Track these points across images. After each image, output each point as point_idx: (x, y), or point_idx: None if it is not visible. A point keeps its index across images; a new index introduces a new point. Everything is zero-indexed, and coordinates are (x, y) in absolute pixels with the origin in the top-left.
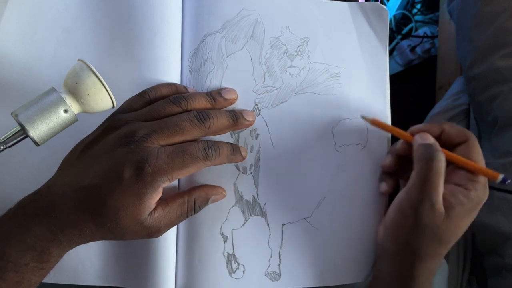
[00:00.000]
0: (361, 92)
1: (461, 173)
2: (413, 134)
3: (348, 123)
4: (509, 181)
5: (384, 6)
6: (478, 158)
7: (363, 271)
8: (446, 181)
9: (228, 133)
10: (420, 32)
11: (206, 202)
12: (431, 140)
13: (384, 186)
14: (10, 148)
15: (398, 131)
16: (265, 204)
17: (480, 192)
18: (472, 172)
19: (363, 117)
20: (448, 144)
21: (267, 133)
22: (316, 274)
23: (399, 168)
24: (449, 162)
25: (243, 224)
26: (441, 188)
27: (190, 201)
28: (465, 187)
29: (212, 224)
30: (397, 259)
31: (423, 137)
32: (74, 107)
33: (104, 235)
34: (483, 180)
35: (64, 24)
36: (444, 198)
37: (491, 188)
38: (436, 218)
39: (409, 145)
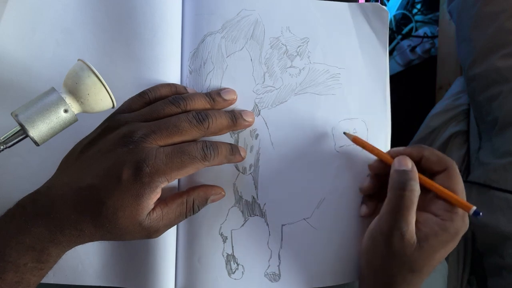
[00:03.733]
0: (361, 93)
1: (439, 203)
2: (393, 157)
3: (348, 124)
4: (481, 214)
5: (384, 7)
6: (457, 187)
7: None
8: (424, 210)
9: (228, 133)
10: (420, 32)
11: (205, 202)
12: (408, 166)
13: (363, 209)
14: (10, 148)
15: (378, 152)
16: (264, 204)
17: (457, 224)
18: (449, 202)
19: (346, 134)
20: (427, 170)
21: (267, 133)
22: (316, 274)
23: (380, 191)
24: (429, 190)
25: (242, 225)
26: (412, 217)
27: (189, 201)
28: (441, 218)
29: (212, 224)
30: (372, 285)
31: (401, 162)
32: (74, 107)
33: (103, 235)
34: (461, 212)
35: (63, 24)
36: (418, 228)
37: (491, 188)
38: (406, 248)
39: (384, 163)
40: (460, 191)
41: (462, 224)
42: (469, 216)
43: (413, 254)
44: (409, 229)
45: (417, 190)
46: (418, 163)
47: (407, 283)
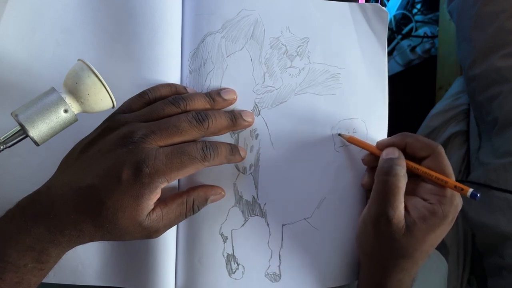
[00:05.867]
0: (361, 93)
1: (427, 187)
2: (380, 148)
3: (348, 124)
4: (478, 196)
5: (384, 8)
6: (446, 170)
7: None
8: (412, 194)
9: (228, 133)
10: (420, 32)
11: (204, 202)
12: (395, 154)
13: None
14: (10, 148)
15: (370, 147)
16: (265, 204)
17: (446, 207)
18: (442, 185)
19: (340, 135)
20: (414, 157)
21: (267, 133)
22: (317, 275)
23: None
24: (416, 175)
25: (242, 225)
26: (398, 203)
27: (188, 201)
28: (429, 202)
29: (212, 224)
30: (368, 270)
31: (388, 152)
32: (74, 107)
33: (102, 235)
34: (449, 194)
35: (63, 24)
36: (407, 212)
37: (491, 188)
38: (395, 233)
39: (375, 156)
40: (449, 174)
41: (450, 207)
42: (472, 211)
43: (402, 239)
44: (396, 214)
45: (402, 175)
46: (403, 151)
47: (400, 269)
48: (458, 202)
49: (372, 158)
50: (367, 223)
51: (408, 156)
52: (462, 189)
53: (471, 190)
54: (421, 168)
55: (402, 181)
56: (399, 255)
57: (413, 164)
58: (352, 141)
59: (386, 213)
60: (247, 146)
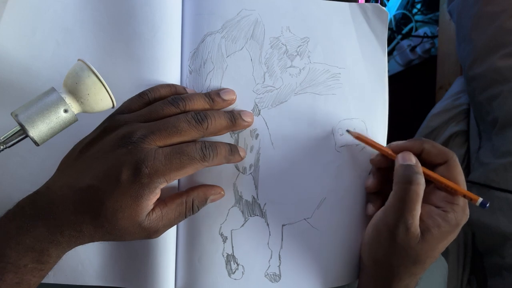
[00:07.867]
0: (361, 93)
1: (440, 194)
2: (394, 151)
3: (348, 124)
4: (488, 205)
5: (384, 8)
6: (459, 179)
7: None
8: (425, 201)
9: (228, 133)
10: (420, 32)
11: (204, 202)
12: (412, 160)
13: (370, 208)
14: (10, 148)
15: (381, 148)
16: (265, 204)
17: (458, 215)
18: (453, 193)
19: (348, 132)
20: (428, 163)
21: (267, 133)
22: (317, 275)
23: (384, 188)
24: (429, 182)
25: (242, 225)
26: (417, 211)
27: (188, 201)
28: (443, 209)
29: (212, 224)
30: (373, 275)
31: (405, 157)
32: (74, 107)
33: (102, 236)
34: (462, 203)
35: (63, 24)
36: (421, 220)
37: (491, 187)
38: (411, 241)
39: (385, 157)
40: (461, 182)
41: (463, 215)
42: (473, 211)
43: (417, 247)
44: (414, 222)
45: (422, 184)
46: (418, 156)
47: (409, 274)
48: (469, 210)
49: (382, 159)
50: (382, 229)
51: (421, 161)
52: (472, 199)
53: (480, 199)
54: (433, 175)
55: (422, 189)
56: (411, 261)
57: (426, 171)
58: (360, 139)
59: (405, 221)
60: (247, 146)
